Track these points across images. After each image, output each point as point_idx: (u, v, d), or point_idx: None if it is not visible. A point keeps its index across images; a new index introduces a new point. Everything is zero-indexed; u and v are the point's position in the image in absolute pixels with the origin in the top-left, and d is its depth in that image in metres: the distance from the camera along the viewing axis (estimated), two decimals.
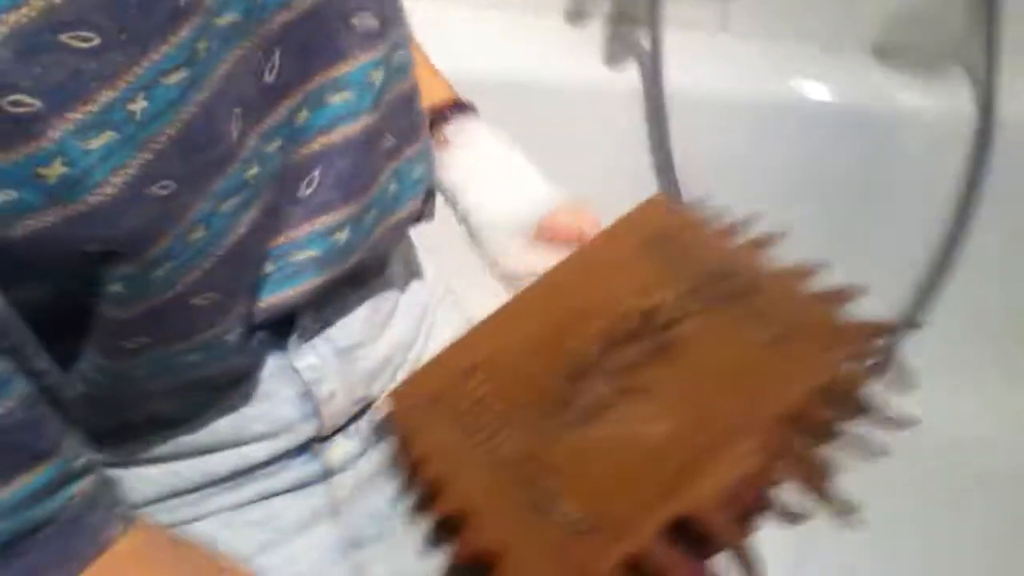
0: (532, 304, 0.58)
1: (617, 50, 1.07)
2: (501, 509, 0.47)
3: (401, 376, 0.57)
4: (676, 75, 1.02)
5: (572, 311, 0.56)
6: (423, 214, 0.56)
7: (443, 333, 0.60)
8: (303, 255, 0.46)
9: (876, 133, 1.04)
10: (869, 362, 0.49)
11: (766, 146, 1.06)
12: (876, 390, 0.48)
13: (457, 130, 0.62)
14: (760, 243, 0.57)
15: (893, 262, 1.06)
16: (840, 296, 0.53)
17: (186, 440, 0.49)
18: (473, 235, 0.63)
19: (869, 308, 0.52)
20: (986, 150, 0.98)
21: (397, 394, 0.54)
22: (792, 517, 0.49)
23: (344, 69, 0.45)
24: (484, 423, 0.52)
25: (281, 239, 0.45)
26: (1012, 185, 1.00)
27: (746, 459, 0.45)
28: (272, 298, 0.46)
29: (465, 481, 0.49)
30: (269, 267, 0.45)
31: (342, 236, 0.47)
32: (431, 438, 0.52)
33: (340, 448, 0.54)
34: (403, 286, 0.58)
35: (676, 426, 0.48)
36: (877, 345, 0.50)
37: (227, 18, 0.37)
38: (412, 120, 0.52)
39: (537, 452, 0.49)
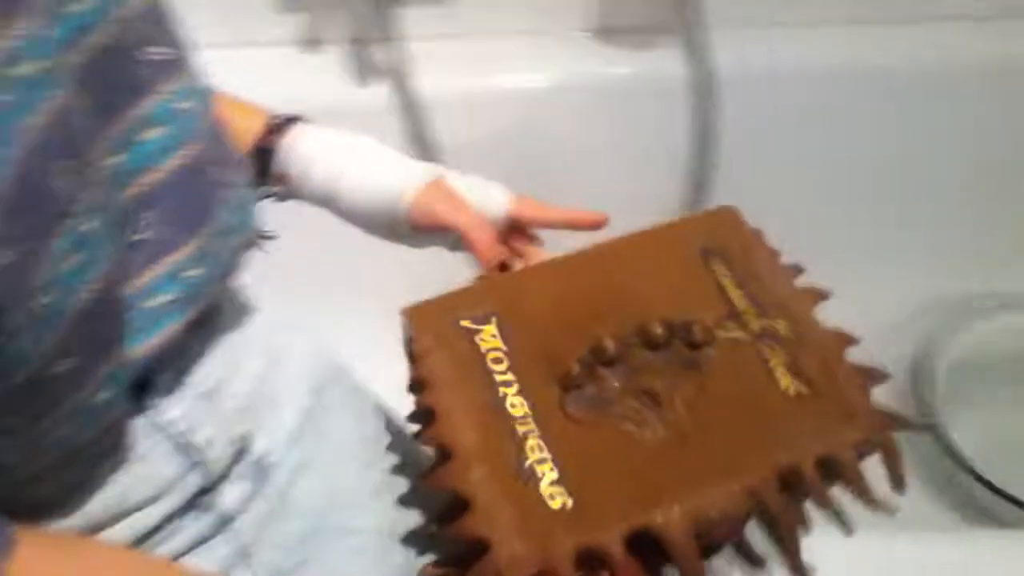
0: (574, 272, 0.57)
1: (362, 68, 1.09)
2: (486, 458, 0.48)
3: (267, 411, 0.56)
4: (426, 83, 1.06)
5: (612, 295, 0.56)
6: (258, 239, 0.56)
7: (291, 360, 0.59)
8: (158, 300, 0.45)
9: (611, 106, 1.12)
10: (874, 448, 0.51)
11: (526, 132, 1.11)
12: (860, 479, 0.49)
13: (302, 134, 0.62)
14: (808, 297, 0.57)
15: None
16: (872, 376, 0.54)
17: (71, 523, 0.46)
18: (366, 214, 0.62)
19: None
20: (709, 102, 1.09)
21: (413, 312, 0.54)
22: (753, 564, 0.52)
23: (150, 103, 0.44)
24: (491, 372, 0.52)
25: (129, 289, 0.43)
26: (738, 131, 1.11)
27: (732, 497, 0.47)
28: (138, 349, 0.44)
29: (460, 419, 0.49)
30: (126, 319, 0.44)
31: (194, 273, 0.46)
32: (440, 367, 0.51)
33: (230, 494, 0.52)
34: (245, 318, 0.58)
35: (676, 441, 0.49)
36: (889, 439, 0.51)
37: (22, 69, 0.36)
38: (229, 145, 0.52)
39: (536, 419, 0.50)
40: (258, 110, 0.63)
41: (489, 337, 0.53)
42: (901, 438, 0.51)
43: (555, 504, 0.46)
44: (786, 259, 0.58)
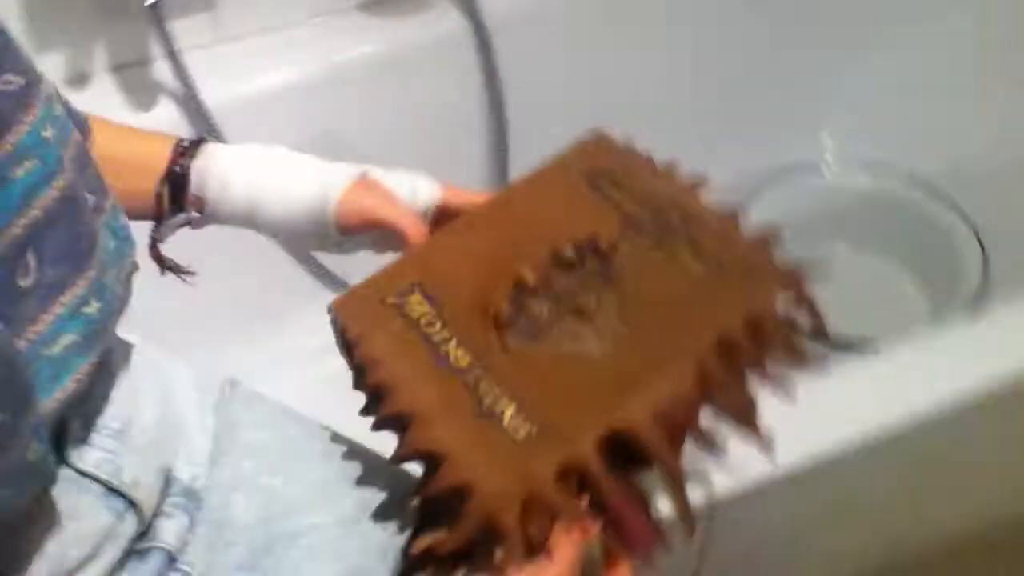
0: (479, 227, 0.59)
1: (143, 91, 1.06)
2: (446, 412, 0.49)
3: (178, 440, 0.57)
4: (212, 91, 1.05)
5: (518, 236, 0.57)
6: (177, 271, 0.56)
7: (179, 386, 0.60)
8: (63, 343, 0.44)
9: (399, 74, 1.15)
10: (793, 305, 0.54)
11: (323, 120, 1.12)
12: (796, 334, 0.53)
13: (213, 153, 0.60)
14: (695, 185, 0.60)
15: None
16: (770, 238, 0.57)
17: None
18: (292, 226, 0.61)
19: None
20: (488, 54, 1.15)
21: (340, 305, 0.55)
22: (712, 445, 0.53)
23: (13, 137, 0.42)
24: (429, 335, 0.53)
25: (31, 336, 0.42)
26: (518, 78, 1.17)
27: (680, 381, 0.49)
28: (56, 396, 0.44)
29: (412, 385, 0.51)
30: (37, 369, 0.42)
31: (93, 308, 0.45)
32: (379, 345, 0.53)
33: (168, 530, 0.53)
34: (129, 352, 0.57)
35: (615, 347, 0.52)
36: (802, 291, 0.54)
37: None
38: (95, 169, 0.50)
39: (482, 363, 0.51)
40: (158, 134, 0.61)
41: (416, 305, 0.54)
42: None
43: (521, 434, 0.48)
44: (660, 159, 0.62)
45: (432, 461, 0.49)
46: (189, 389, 0.60)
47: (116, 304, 0.48)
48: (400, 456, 0.51)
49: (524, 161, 1.22)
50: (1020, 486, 0.99)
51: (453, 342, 0.53)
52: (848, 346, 0.77)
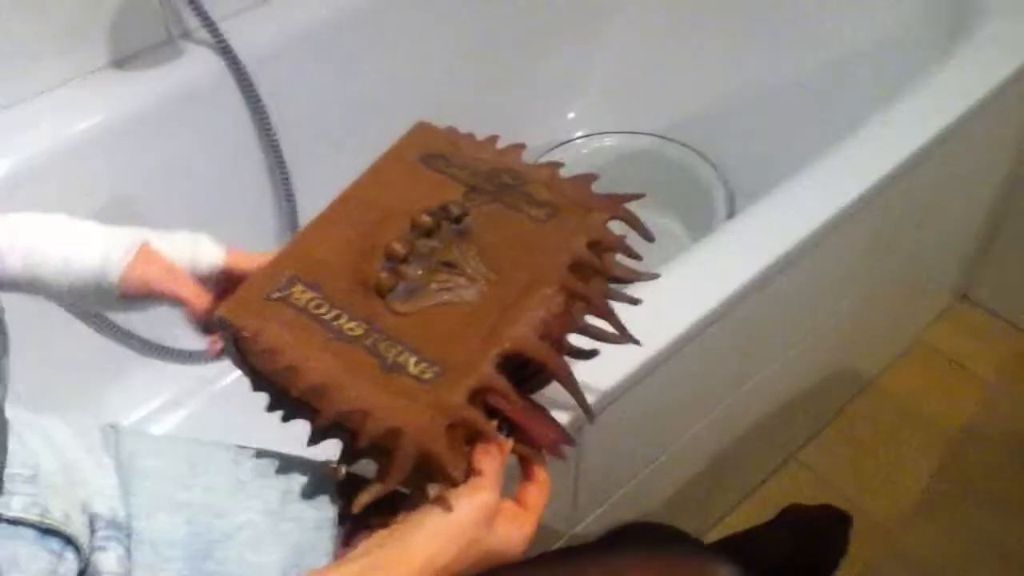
0: (335, 217, 0.63)
1: None
2: (355, 375, 0.53)
3: (82, 479, 0.57)
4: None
5: (375, 218, 0.62)
6: None
7: (58, 431, 0.60)
8: None
9: (168, 126, 1.15)
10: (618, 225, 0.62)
11: (86, 185, 1.10)
12: (628, 248, 0.61)
13: None
14: (511, 151, 0.68)
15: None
16: (587, 179, 0.66)
17: None
18: (73, 295, 0.61)
19: None
20: (251, 92, 1.17)
21: (228, 310, 0.57)
22: (586, 353, 0.62)
23: None
24: (320, 316, 0.57)
25: None
26: (284, 109, 1.21)
27: (549, 300, 0.57)
28: None
29: (316, 361, 0.54)
30: None
31: None
32: (275, 334, 0.55)
33: (107, 562, 0.54)
34: (11, 402, 0.57)
35: (487, 288, 0.58)
36: (624, 211, 0.63)
37: None
38: None
39: (375, 328, 0.56)
40: None
41: (300, 294, 0.58)
42: None
43: (428, 376, 0.53)
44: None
45: (353, 422, 0.53)
46: (70, 437, 0.60)
47: (2, 345, 0.49)
48: (320, 427, 0.54)
49: (306, 187, 1.26)
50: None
51: (344, 317, 0.57)
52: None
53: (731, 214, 1.33)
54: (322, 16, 1.24)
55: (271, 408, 0.58)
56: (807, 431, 1.38)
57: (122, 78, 1.12)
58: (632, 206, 0.65)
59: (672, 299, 0.85)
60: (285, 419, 0.58)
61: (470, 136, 0.71)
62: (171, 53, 1.14)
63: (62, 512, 0.51)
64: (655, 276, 0.65)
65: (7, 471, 0.50)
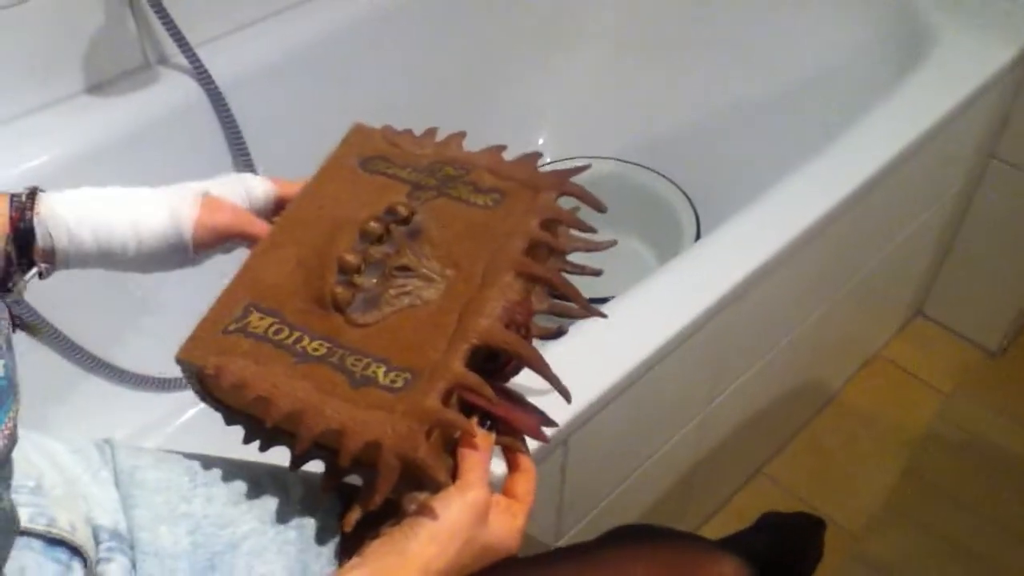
0: (282, 237, 0.61)
1: None
2: (326, 395, 0.52)
3: (82, 492, 0.57)
4: None
5: (323, 232, 0.60)
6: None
7: (54, 446, 0.60)
8: None
9: (147, 153, 1.16)
10: (574, 205, 0.61)
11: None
12: (580, 222, 0.60)
13: (53, 202, 0.59)
14: (452, 140, 0.66)
15: None
16: (531, 158, 0.64)
17: None
18: (149, 258, 0.62)
19: None
20: (227, 115, 1.19)
21: (187, 351, 0.56)
22: (553, 332, 0.61)
23: None
24: (281, 341, 0.55)
25: None
26: (258, 132, 1.22)
27: (509, 287, 0.56)
28: None
29: (286, 388, 0.53)
30: None
31: None
32: (238, 368, 0.54)
33: (114, 574, 0.54)
34: None
35: (445, 285, 0.57)
36: (571, 185, 0.62)
37: None
38: None
39: (339, 344, 0.54)
40: None
41: (258, 321, 0.57)
42: None
43: (399, 384, 0.52)
44: (420, 119, 0.69)
45: (331, 442, 0.52)
46: (66, 453, 0.60)
47: (11, 362, 0.49)
48: (299, 453, 0.54)
49: None
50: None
51: (306, 338, 0.56)
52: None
53: (698, 236, 1.36)
54: (296, 43, 1.26)
55: (248, 440, 0.58)
56: (774, 444, 1.41)
57: (98, 104, 1.13)
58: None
59: (642, 320, 0.88)
60: (263, 449, 0.57)
61: (408, 132, 0.69)
62: (148, 78, 1.15)
63: (68, 523, 0.52)
64: (612, 243, 0.63)
65: (12, 482, 0.51)
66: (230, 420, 0.58)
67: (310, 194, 0.65)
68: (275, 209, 0.68)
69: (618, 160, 1.52)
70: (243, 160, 1.22)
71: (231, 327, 0.57)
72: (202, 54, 1.15)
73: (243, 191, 0.67)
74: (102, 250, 0.61)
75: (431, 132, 0.69)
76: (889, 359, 1.55)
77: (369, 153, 0.67)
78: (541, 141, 1.62)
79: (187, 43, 1.13)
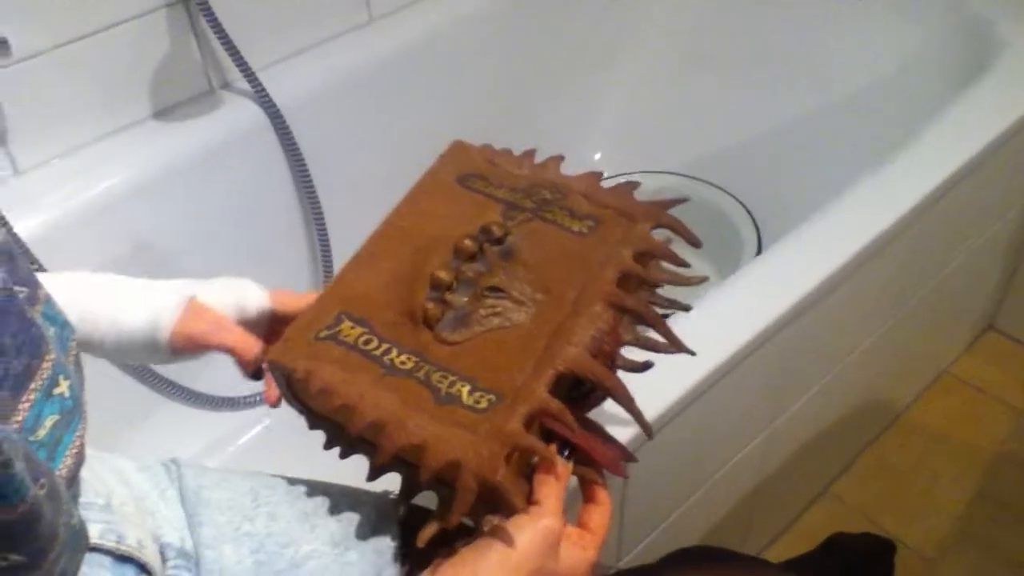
0: (377, 250, 0.62)
1: None
2: (410, 409, 0.53)
3: (150, 509, 0.58)
4: (23, 217, 1.04)
5: (418, 247, 0.61)
6: None
7: (120, 463, 0.62)
8: (46, 427, 0.45)
9: (211, 176, 1.19)
10: (664, 232, 0.61)
11: (135, 237, 1.14)
12: (674, 255, 0.60)
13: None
14: (549, 163, 0.67)
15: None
16: (628, 187, 0.64)
17: None
18: (125, 354, 0.63)
19: None
20: (288, 137, 1.21)
21: (278, 352, 0.56)
22: (640, 366, 0.60)
23: None
24: (370, 352, 0.56)
25: (13, 427, 0.43)
26: (319, 154, 1.25)
27: (599, 317, 0.56)
28: (60, 473, 0.46)
29: (370, 398, 0.54)
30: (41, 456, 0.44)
31: (62, 388, 0.47)
32: (327, 373, 0.55)
33: None
34: None
35: (536, 309, 0.57)
36: (668, 217, 0.62)
37: None
38: (25, 264, 0.51)
39: (426, 360, 0.55)
40: None
41: (349, 331, 0.58)
42: None
43: (483, 405, 0.53)
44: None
45: (412, 456, 0.52)
46: (134, 472, 0.61)
47: (79, 381, 0.50)
48: (379, 463, 0.54)
49: (340, 229, 1.29)
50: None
51: (394, 351, 0.56)
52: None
53: (759, 250, 1.34)
54: (354, 67, 1.28)
55: (328, 446, 0.58)
56: (840, 463, 1.38)
57: (163, 129, 1.16)
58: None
59: (703, 336, 0.86)
60: (343, 456, 0.58)
61: (507, 152, 0.70)
62: (212, 103, 1.18)
63: (136, 540, 0.53)
64: (704, 279, 0.63)
65: (82, 500, 0.52)
66: (313, 424, 0.59)
67: (406, 207, 0.66)
68: (269, 323, 0.68)
69: (676, 174, 1.51)
70: (304, 182, 1.24)
71: (323, 333, 0.58)
72: (263, 78, 1.17)
73: (234, 300, 0.66)
74: (82, 337, 0.61)
75: (530, 153, 0.69)
76: (959, 375, 1.51)
77: (467, 170, 0.68)
78: (598, 156, 1.61)
79: (249, 68, 1.15)
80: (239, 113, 1.19)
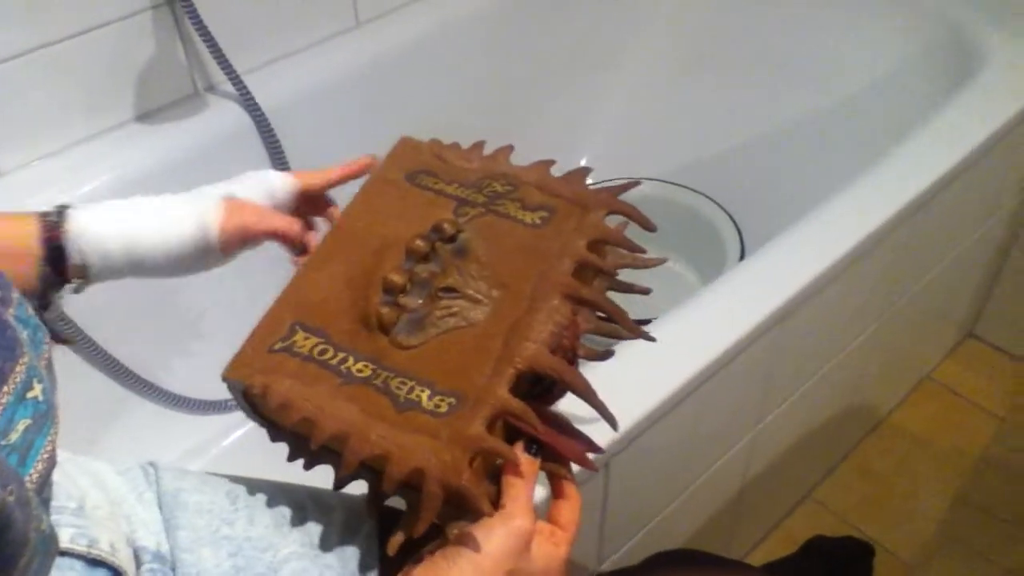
0: (330, 254, 0.61)
1: None
2: (372, 419, 0.52)
3: (124, 512, 0.58)
4: None
5: (369, 249, 0.60)
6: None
7: (93, 465, 0.61)
8: (19, 430, 0.44)
9: (195, 179, 1.18)
10: (623, 220, 0.60)
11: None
12: (628, 241, 0.59)
13: (83, 218, 0.61)
14: (499, 155, 0.65)
15: None
16: (580, 174, 0.63)
17: None
18: (177, 264, 0.64)
19: None
20: (273, 140, 1.21)
21: (233, 370, 0.56)
22: (601, 355, 0.60)
23: None
24: (326, 361, 0.55)
25: None
26: (303, 156, 1.24)
27: (556, 311, 0.55)
28: (31, 477, 0.45)
29: (331, 410, 0.53)
30: (10, 462, 0.44)
31: (36, 391, 0.46)
32: (284, 388, 0.54)
33: None
34: None
35: (492, 307, 0.56)
36: (620, 203, 0.61)
37: None
38: None
39: (384, 366, 0.54)
40: (16, 214, 0.61)
41: (303, 341, 0.57)
42: None
43: (443, 409, 0.52)
44: (464, 143, 0.68)
45: (376, 466, 0.52)
46: (111, 474, 0.61)
47: (51, 384, 0.49)
48: (343, 475, 0.53)
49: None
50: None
51: (351, 359, 0.55)
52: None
53: (742, 256, 1.35)
54: (340, 71, 1.28)
55: (292, 457, 0.58)
56: (822, 468, 1.39)
57: (148, 131, 1.15)
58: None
59: (685, 341, 0.87)
60: (307, 467, 0.58)
61: (455, 146, 0.69)
62: (196, 106, 1.18)
63: (108, 544, 0.52)
64: (662, 261, 0.62)
65: (54, 503, 0.51)
66: (276, 437, 0.58)
67: (357, 208, 0.65)
68: (300, 201, 0.71)
69: (660, 181, 1.51)
70: None
71: (277, 346, 0.57)
72: (249, 82, 1.17)
73: (265, 189, 0.69)
74: (133, 261, 0.63)
75: (478, 146, 0.68)
76: (940, 381, 1.52)
77: (416, 167, 0.67)
78: (583, 161, 1.62)
79: (234, 71, 1.15)
80: (224, 116, 1.18)
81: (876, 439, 1.44)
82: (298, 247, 0.68)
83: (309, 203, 0.73)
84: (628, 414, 0.80)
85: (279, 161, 1.22)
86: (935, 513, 1.34)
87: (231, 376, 0.57)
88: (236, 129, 1.19)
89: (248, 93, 1.17)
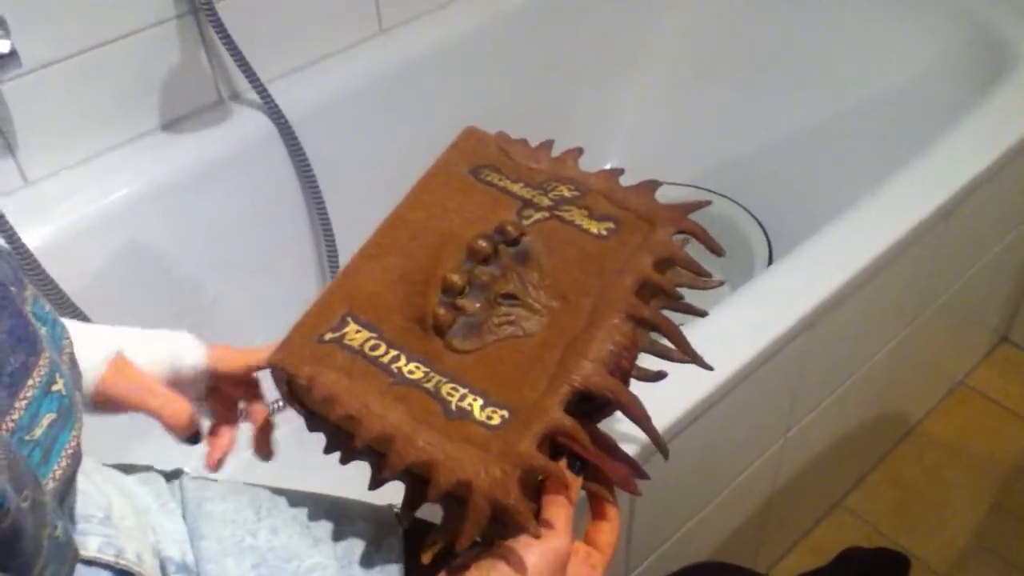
0: (385, 244, 0.59)
1: None
2: (419, 423, 0.50)
3: (150, 522, 0.58)
4: (32, 229, 1.04)
5: (428, 244, 0.57)
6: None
7: (116, 475, 0.61)
8: (43, 425, 0.44)
9: (220, 186, 1.18)
10: (684, 236, 0.59)
11: (144, 246, 1.14)
12: (695, 264, 0.57)
13: None
14: (568, 157, 0.63)
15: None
16: (649, 187, 0.61)
17: None
18: None
19: None
20: (296, 147, 1.21)
21: (280, 356, 0.54)
22: (654, 375, 0.58)
23: None
24: (376, 358, 0.53)
25: (9, 427, 0.42)
26: (327, 163, 1.25)
27: (616, 331, 0.53)
28: (55, 474, 0.45)
29: (378, 409, 0.51)
30: (33, 458, 0.43)
31: (59, 385, 0.46)
32: (331, 381, 0.52)
33: None
34: None
35: (550, 319, 0.54)
36: (689, 223, 0.59)
37: None
38: (8, 262, 0.50)
39: (436, 370, 0.52)
40: None
41: (355, 334, 0.55)
42: None
43: (495, 421, 0.50)
44: (533, 141, 0.66)
45: (420, 472, 0.50)
46: (136, 484, 0.61)
47: (73, 380, 0.49)
48: (384, 476, 0.52)
49: (349, 240, 1.29)
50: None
51: (402, 359, 0.53)
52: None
53: (771, 261, 1.33)
54: (363, 79, 1.28)
55: (329, 450, 0.56)
56: (853, 476, 1.37)
57: (173, 140, 1.16)
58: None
59: (713, 347, 0.85)
60: (343, 462, 0.56)
61: (522, 142, 0.66)
62: (221, 114, 1.18)
63: (135, 554, 0.52)
64: (720, 283, 0.60)
65: (81, 512, 0.51)
66: (314, 427, 0.57)
67: (417, 199, 0.62)
68: (210, 381, 0.65)
69: (688, 185, 1.50)
70: (312, 193, 1.24)
71: (327, 336, 0.55)
72: (273, 90, 1.17)
73: (168, 356, 0.62)
74: None
75: (547, 145, 0.66)
76: (974, 387, 1.49)
77: (481, 161, 0.64)
78: (609, 166, 1.61)
79: (258, 79, 1.15)
80: (248, 124, 1.19)
81: (908, 447, 1.42)
82: (183, 434, 0.60)
83: (223, 381, 0.65)
84: (657, 421, 0.78)
85: (303, 169, 1.22)
86: (968, 522, 1.31)
87: (278, 363, 0.55)
88: (260, 137, 1.19)
89: (272, 101, 1.17)
